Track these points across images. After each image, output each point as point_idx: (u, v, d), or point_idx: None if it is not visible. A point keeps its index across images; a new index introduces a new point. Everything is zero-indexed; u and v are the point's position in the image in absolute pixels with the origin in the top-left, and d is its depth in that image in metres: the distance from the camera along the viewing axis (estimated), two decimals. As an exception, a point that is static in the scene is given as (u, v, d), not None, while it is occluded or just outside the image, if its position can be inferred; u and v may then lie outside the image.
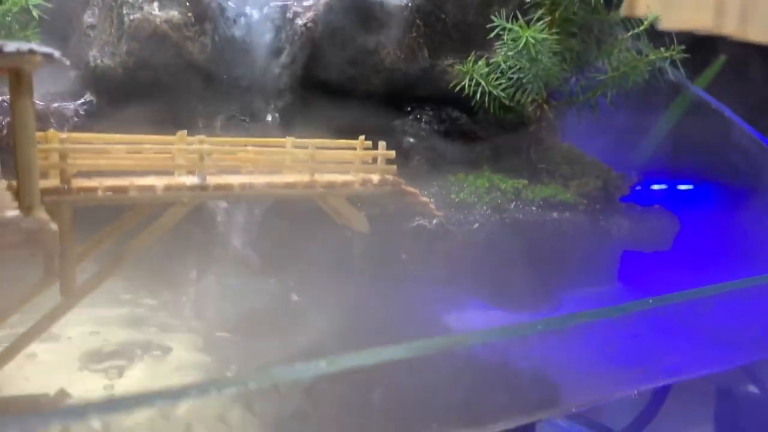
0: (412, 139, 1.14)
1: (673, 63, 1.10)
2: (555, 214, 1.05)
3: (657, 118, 1.59)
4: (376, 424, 0.59)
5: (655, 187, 1.62)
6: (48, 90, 1.02)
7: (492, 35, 1.09)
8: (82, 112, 1.01)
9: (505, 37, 1.08)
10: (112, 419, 0.47)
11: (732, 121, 1.38)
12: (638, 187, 1.47)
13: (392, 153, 0.97)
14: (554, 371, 0.71)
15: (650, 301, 0.76)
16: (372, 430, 0.59)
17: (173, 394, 0.49)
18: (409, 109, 1.16)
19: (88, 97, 1.02)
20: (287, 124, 1.03)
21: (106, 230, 0.85)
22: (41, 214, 0.66)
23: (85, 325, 0.92)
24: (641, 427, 1.22)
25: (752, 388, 1.31)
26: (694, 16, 2.69)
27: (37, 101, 1.00)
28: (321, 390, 0.55)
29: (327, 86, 1.09)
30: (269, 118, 1.02)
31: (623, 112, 1.43)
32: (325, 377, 0.55)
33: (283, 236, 1.04)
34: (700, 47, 1.83)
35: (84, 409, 0.46)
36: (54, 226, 0.65)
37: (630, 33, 1.15)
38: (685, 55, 1.11)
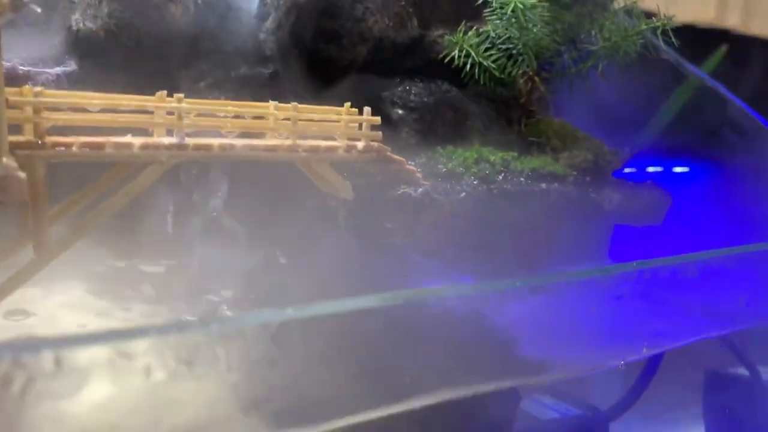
0: (401, 111, 1.13)
1: (664, 33, 1.09)
2: (543, 185, 1.04)
3: (658, 105, 1.57)
4: (345, 374, 0.57)
5: (651, 169, 1.60)
6: (31, 54, 1.01)
7: (480, 1, 1.07)
8: (65, 77, 0.99)
9: (493, 4, 1.06)
10: (66, 355, 0.45)
11: (727, 98, 1.36)
12: (633, 170, 1.46)
13: (377, 119, 0.95)
14: (533, 335, 0.70)
15: (634, 264, 0.75)
16: (340, 380, 0.57)
17: (132, 333, 0.48)
18: (398, 80, 1.14)
19: (71, 61, 1.00)
20: (272, 92, 1.01)
21: (82, 191, 0.84)
22: (9, 161, 0.64)
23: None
24: (627, 407, 1.21)
25: (742, 371, 1.29)
26: (696, 9, 2.68)
27: (19, 65, 0.99)
28: (290, 337, 0.54)
29: (313, 54, 1.07)
30: (253, 84, 1.01)
31: (624, 97, 1.42)
32: (293, 323, 0.53)
33: (265, 206, 1.03)
34: (703, 40, 1.81)
35: (38, 343, 0.45)
36: (22, 174, 0.64)
37: (623, 5, 1.14)
38: (676, 24, 1.09)
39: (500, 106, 1.23)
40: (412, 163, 1.02)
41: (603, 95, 1.48)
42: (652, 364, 1.20)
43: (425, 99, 1.15)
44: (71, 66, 1.00)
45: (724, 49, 1.76)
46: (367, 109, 0.94)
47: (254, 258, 1.04)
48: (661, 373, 1.26)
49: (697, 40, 1.67)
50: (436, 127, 1.14)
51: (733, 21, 2.72)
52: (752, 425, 1.26)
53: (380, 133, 0.95)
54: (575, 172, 1.08)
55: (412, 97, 1.14)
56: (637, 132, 1.58)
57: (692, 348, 1.25)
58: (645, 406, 1.28)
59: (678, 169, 1.57)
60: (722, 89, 1.37)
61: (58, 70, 1.00)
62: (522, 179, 1.04)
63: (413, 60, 1.16)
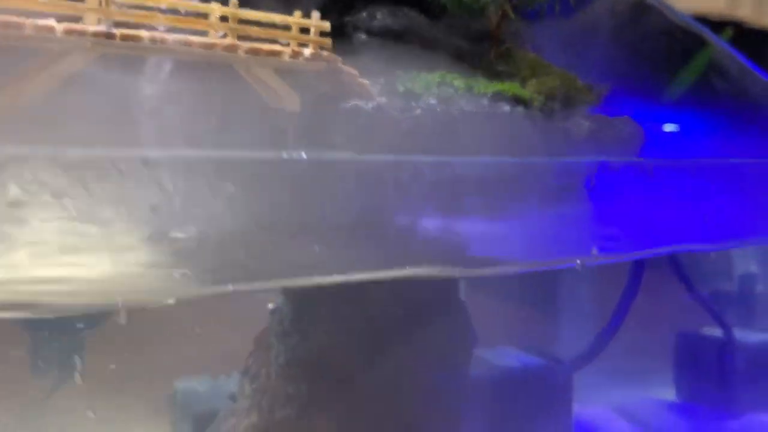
0: (364, 36, 1.08)
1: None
2: (507, 108, 0.98)
3: (656, 62, 1.51)
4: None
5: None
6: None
7: None
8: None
9: None
10: None
11: (712, 42, 1.30)
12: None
13: (327, 24, 0.90)
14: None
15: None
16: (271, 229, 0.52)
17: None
18: (362, 4, 1.09)
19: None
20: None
21: None
22: None
23: None
24: (590, 359, 1.15)
25: (713, 331, 1.23)
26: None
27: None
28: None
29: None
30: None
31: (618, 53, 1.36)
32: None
33: (206, 124, 0.98)
34: (714, 31, 1.75)
35: None
36: None
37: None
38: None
39: (472, 41, 1.18)
40: (368, 82, 0.97)
41: (596, 53, 1.43)
42: (617, 317, 1.14)
43: (390, 25, 1.10)
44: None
45: (729, 31, 1.70)
46: (315, 14, 0.89)
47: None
48: (631, 336, 1.20)
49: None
50: (401, 54, 1.09)
51: (744, 12, 2.66)
52: (723, 384, 1.20)
53: (330, 40, 0.90)
54: (542, 97, 1.02)
55: (375, 22, 1.09)
56: (640, 94, 1.52)
57: (663, 305, 1.19)
58: (613, 368, 1.22)
59: (668, 127, 1.51)
60: (705, 31, 1.31)
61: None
62: (485, 101, 0.99)
63: (379, -15, 1.11)
